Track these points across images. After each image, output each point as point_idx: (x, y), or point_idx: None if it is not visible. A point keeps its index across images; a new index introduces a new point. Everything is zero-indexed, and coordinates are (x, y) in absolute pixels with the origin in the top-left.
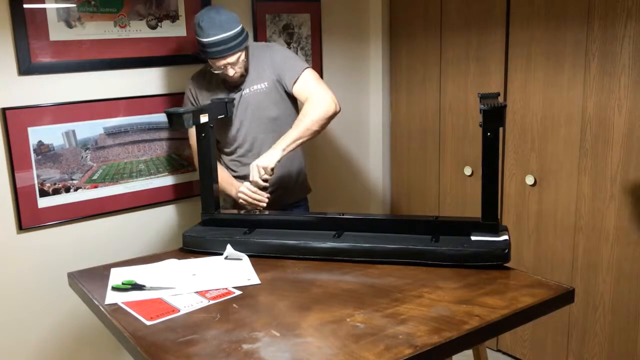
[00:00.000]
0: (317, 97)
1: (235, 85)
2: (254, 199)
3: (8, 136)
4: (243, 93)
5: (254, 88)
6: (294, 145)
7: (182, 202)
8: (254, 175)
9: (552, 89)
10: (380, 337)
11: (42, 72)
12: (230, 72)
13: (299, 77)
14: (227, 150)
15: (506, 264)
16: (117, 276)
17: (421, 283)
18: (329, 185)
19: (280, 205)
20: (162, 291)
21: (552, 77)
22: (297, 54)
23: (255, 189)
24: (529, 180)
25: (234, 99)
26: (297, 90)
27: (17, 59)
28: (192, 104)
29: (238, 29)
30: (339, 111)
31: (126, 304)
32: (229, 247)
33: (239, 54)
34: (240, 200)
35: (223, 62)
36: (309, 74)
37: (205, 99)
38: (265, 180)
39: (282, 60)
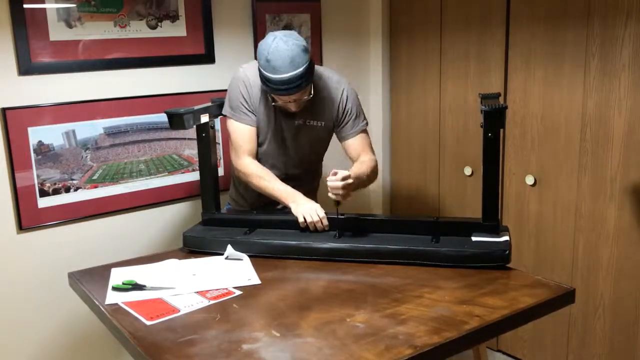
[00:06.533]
0: (370, 159)
1: (290, 111)
2: (319, 221)
3: (8, 136)
4: (297, 122)
5: (310, 123)
6: (355, 180)
7: (182, 202)
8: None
9: (552, 89)
10: (380, 337)
11: (42, 72)
12: (293, 107)
13: (357, 134)
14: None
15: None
16: (118, 276)
17: (421, 283)
18: None
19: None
20: (162, 291)
21: (552, 77)
22: None
23: (321, 213)
24: (529, 180)
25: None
26: (348, 144)
27: (17, 59)
28: (245, 101)
29: (308, 62)
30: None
31: (126, 304)
32: (229, 247)
33: (307, 88)
34: (303, 220)
35: (289, 98)
36: (365, 137)
37: (257, 106)
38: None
39: (350, 109)
